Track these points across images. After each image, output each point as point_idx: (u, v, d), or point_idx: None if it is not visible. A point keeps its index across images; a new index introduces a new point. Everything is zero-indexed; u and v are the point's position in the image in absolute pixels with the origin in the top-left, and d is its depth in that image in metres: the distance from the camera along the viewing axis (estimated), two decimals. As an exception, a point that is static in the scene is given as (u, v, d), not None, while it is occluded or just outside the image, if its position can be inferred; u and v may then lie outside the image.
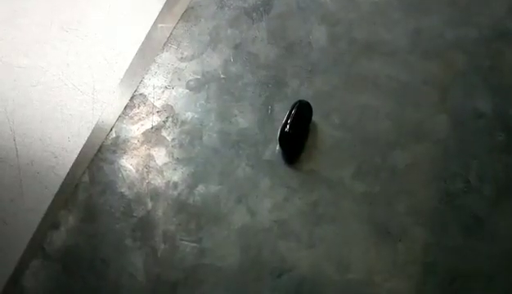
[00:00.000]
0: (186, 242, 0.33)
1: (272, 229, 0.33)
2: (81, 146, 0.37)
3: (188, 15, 0.44)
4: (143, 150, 0.37)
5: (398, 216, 0.33)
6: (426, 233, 0.32)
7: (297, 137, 0.36)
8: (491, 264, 0.31)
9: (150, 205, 0.34)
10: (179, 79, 0.40)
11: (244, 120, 0.37)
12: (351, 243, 0.32)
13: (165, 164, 0.36)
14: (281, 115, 0.38)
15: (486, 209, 0.33)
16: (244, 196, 0.34)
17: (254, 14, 0.44)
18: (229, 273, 0.31)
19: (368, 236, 0.32)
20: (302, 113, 0.37)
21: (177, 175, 0.35)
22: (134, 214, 0.34)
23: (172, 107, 0.38)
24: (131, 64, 0.41)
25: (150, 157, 0.36)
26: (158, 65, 0.41)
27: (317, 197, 0.34)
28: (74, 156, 0.36)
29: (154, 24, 0.44)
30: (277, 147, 0.36)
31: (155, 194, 0.35)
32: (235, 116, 0.37)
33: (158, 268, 0.32)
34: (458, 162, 0.34)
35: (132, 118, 0.38)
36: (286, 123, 0.36)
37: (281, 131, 0.36)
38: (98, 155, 0.37)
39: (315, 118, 0.39)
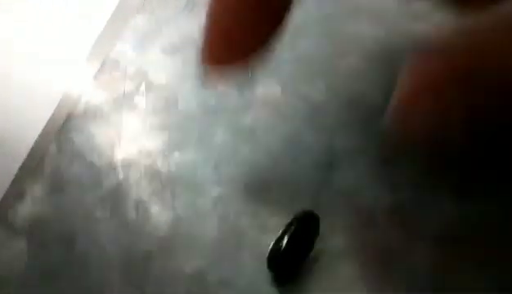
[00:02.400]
0: (160, 212, 0.31)
1: (251, 195, 0.31)
2: (49, 115, 0.35)
3: (164, -24, 0.43)
4: (114, 118, 0.35)
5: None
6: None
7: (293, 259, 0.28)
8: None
9: (121, 174, 0.33)
10: (153, 43, 0.37)
11: (222, 85, 0.36)
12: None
13: (138, 131, 0.34)
14: (262, 80, 0.36)
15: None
16: (223, 163, 0.33)
17: (234, -25, 0.42)
18: (206, 242, 0.30)
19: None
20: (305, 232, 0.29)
21: (150, 143, 0.33)
22: (104, 184, 0.32)
23: (145, 72, 0.36)
24: (103, 30, 0.39)
25: (121, 124, 0.34)
26: (131, 29, 0.39)
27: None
28: (42, 126, 0.35)
29: (129, -14, 0.42)
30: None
31: (127, 163, 0.33)
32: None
33: (129, 239, 0.30)
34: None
35: (103, 84, 0.36)
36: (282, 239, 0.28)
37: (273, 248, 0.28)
38: (67, 124, 0.35)
39: (297, 85, 0.37)
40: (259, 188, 0.32)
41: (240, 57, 0.30)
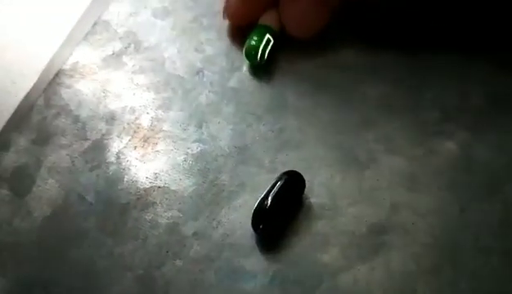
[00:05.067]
0: (141, 165, 0.32)
1: (233, 154, 0.31)
2: (39, 72, 0.35)
3: None
4: (102, 75, 0.36)
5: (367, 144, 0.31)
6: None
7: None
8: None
9: (105, 128, 0.33)
10: (145, 7, 0.38)
11: (211, 48, 0.36)
12: (315, 169, 0.30)
13: (124, 89, 0.35)
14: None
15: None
16: (206, 122, 0.33)
17: None
18: (184, 195, 0.30)
19: (334, 162, 0.30)
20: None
21: (135, 101, 0.34)
22: (88, 137, 0.33)
23: (135, 34, 0.37)
24: (98, -7, 0.39)
25: (108, 82, 0.35)
26: (124, -6, 0.40)
27: (283, 124, 0.32)
28: (32, 82, 0.35)
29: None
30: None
31: (111, 118, 0.34)
32: (202, 44, 0.36)
33: (108, 190, 0.31)
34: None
35: (92, 44, 0.36)
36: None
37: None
38: (55, 79, 0.35)
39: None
40: (241, 147, 0.32)
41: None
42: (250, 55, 0.33)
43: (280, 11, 0.32)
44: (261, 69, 0.34)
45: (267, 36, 0.32)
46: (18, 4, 0.38)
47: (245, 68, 0.34)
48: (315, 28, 0.32)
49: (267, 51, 0.33)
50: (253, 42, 0.33)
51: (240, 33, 0.35)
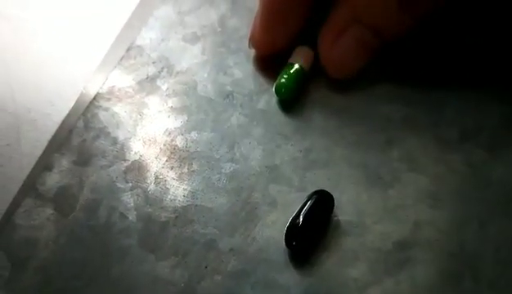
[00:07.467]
0: (178, 185, 0.33)
1: (264, 173, 0.33)
2: (77, 94, 0.37)
3: (188, -31, 0.45)
4: (137, 98, 0.37)
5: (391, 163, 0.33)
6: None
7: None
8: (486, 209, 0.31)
9: (143, 149, 0.35)
10: (176, 32, 0.40)
11: (239, 71, 0.37)
12: (342, 187, 0.32)
13: (159, 112, 0.36)
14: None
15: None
16: (237, 142, 0.35)
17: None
18: (219, 213, 0.32)
19: (360, 181, 0.32)
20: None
21: (170, 123, 0.36)
22: (127, 158, 0.35)
23: (167, 58, 0.38)
24: (129, 18, 0.41)
25: (144, 105, 0.37)
26: (155, 19, 0.41)
27: (310, 144, 0.34)
28: (71, 104, 0.37)
29: (154, -21, 0.44)
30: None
31: (148, 140, 0.35)
32: (231, 67, 0.37)
33: (149, 208, 0.32)
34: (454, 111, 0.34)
35: (127, 68, 0.38)
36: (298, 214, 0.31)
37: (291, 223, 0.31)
38: (93, 103, 0.37)
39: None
40: (271, 166, 0.33)
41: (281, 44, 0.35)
42: (280, 92, 0.34)
43: (319, 52, 0.33)
44: (290, 103, 0.35)
45: (297, 76, 0.34)
46: (54, 30, 0.40)
47: (275, 99, 0.35)
48: (354, 70, 0.33)
49: (297, 89, 0.34)
50: (283, 80, 0.34)
51: (266, 57, 0.37)
